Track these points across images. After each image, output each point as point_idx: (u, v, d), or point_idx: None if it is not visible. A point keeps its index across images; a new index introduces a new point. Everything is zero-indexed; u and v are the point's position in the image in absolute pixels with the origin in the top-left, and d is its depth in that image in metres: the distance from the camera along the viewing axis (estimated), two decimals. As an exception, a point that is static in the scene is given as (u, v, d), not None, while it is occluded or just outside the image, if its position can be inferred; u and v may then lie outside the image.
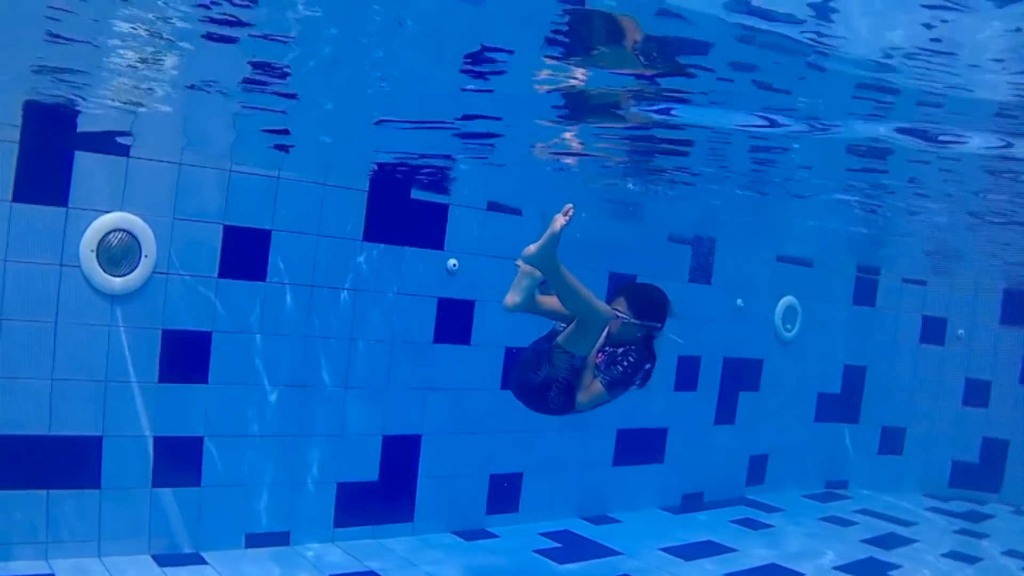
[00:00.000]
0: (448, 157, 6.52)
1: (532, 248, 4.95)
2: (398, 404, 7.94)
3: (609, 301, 5.45)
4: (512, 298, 5.23)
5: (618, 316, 5.35)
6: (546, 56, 3.64)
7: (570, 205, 4.87)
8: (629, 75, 3.89)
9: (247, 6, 3.40)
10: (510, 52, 3.70)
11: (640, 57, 3.58)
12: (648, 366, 5.47)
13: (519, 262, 5.15)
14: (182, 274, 6.77)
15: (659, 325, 5.44)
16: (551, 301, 5.43)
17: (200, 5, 3.39)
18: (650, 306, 5.42)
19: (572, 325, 5.30)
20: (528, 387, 5.41)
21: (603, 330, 5.31)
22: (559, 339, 5.30)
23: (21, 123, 6.08)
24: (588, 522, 9.27)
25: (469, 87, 4.29)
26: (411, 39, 3.72)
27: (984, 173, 5.44)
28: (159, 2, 3.46)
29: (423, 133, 5.70)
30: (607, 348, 5.43)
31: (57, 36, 4.10)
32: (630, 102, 4.40)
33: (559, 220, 4.83)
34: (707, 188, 7.38)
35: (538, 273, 5.12)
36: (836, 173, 6.14)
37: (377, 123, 5.49)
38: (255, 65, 4.32)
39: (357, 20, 3.41)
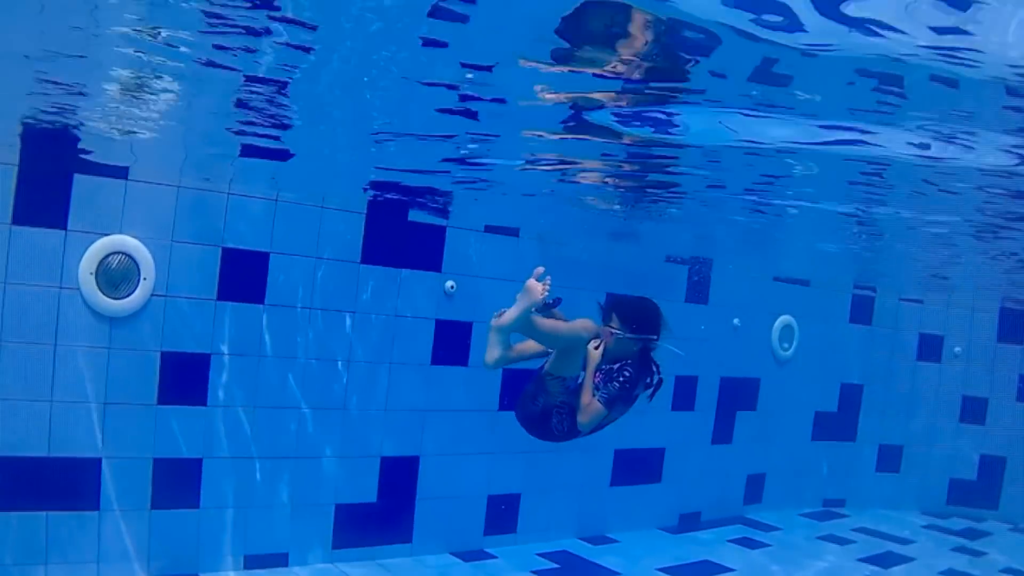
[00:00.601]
0: (446, 173, 6.50)
1: (511, 315, 4.96)
2: (396, 425, 7.95)
3: (603, 319, 5.45)
4: (491, 354, 5.25)
5: (612, 332, 5.35)
6: (535, 63, 3.60)
7: (541, 268, 4.90)
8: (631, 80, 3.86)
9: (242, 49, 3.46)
10: (489, 68, 3.70)
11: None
12: (649, 379, 5.46)
13: (493, 321, 5.18)
14: (181, 296, 6.80)
15: (654, 337, 5.43)
16: (529, 346, 5.46)
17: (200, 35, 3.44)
18: (643, 319, 5.40)
19: (556, 351, 5.33)
20: (531, 418, 5.41)
21: (586, 347, 5.32)
22: (546, 366, 5.33)
23: (20, 146, 6.11)
24: (586, 542, 9.28)
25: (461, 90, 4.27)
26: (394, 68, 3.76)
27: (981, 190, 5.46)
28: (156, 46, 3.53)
29: (418, 151, 5.69)
30: (604, 366, 5.40)
31: (53, 81, 4.17)
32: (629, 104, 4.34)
33: (536, 290, 4.84)
34: (703, 212, 7.41)
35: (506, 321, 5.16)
36: (836, 189, 6.13)
37: (375, 139, 5.49)
38: (247, 91, 4.35)
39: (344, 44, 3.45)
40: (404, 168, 6.34)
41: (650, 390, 5.47)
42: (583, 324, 5.31)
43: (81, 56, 3.89)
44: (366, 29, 3.27)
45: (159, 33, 3.47)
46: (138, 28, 3.39)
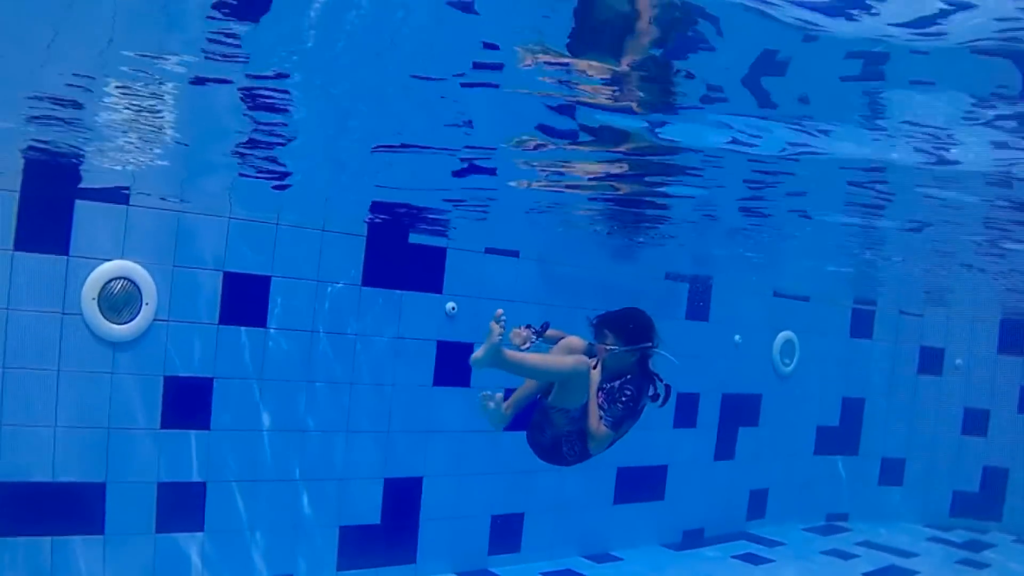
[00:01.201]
0: (445, 190, 6.47)
1: (477, 355, 4.93)
2: (399, 447, 7.97)
3: (595, 337, 5.37)
4: (491, 421, 5.29)
5: (607, 348, 5.25)
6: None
7: (500, 310, 4.84)
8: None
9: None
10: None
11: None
12: (652, 391, 5.39)
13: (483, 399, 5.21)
14: (183, 321, 6.82)
15: (650, 344, 5.33)
16: (526, 387, 5.44)
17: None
18: (635, 328, 5.29)
19: (557, 383, 5.23)
20: (541, 447, 5.34)
21: (587, 380, 5.22)
22: (550, 399, 5.23)
23: (22, 172, 6.14)
24: (590, 560, 9.27)
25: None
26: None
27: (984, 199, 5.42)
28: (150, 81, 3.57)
29: (418, 163, 5.63)
30: (605, 385, 5.27)
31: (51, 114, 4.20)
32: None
33: (494, 332, 4.74)
34: (702, 227, 7.41)
35: (493, 404, 5.17)
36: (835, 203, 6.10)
37: (373, 150, 5.43)
38: (249, 107, 4.37)
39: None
40: (404, 186, 6.31)
41: (660, 399, 5.33)
42: (575, 342, 5.26)
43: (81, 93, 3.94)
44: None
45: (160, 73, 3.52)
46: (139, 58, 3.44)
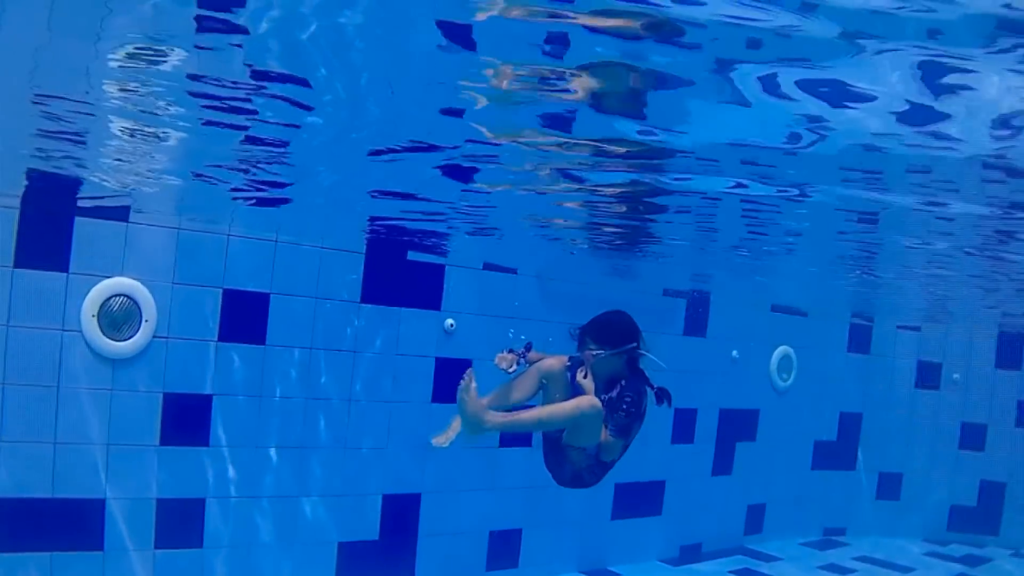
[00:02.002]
0: (445, 213, 6.44)
1: (454, 427, 4.87)
2: (398, 463, 7.97)
3: (579, 347, 5.31)
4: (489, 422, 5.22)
5: (593, 354, 5.16)
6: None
7: (470, 369, 4.70)
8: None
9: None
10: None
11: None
12: (653, 390, 5.26)
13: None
14: (182, 338, 6.84)
15: (635, 345, 5.21)
16: (500, 398, 5.32)
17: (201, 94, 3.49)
18: (617, 331, 5.20)
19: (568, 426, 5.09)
20: (562, 478, 5.25)
21: (600, 419, 5.02)
22: (564, 438, 5.10)
23: (22, 189, 6.16)
24: (587, 576, 9.29)
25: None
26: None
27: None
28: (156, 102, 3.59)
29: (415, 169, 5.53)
30: (603, 396, 5.13)
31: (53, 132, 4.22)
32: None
33: (469, 396, 4.63)
34: (694, 253, 7.41)
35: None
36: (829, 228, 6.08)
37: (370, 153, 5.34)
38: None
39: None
40: (400, 192, 6.23)
41: (662, 400, 5.25)
42: (550, 363, 5.21)
43: (85, 106, 3.95)
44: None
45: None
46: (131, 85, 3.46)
